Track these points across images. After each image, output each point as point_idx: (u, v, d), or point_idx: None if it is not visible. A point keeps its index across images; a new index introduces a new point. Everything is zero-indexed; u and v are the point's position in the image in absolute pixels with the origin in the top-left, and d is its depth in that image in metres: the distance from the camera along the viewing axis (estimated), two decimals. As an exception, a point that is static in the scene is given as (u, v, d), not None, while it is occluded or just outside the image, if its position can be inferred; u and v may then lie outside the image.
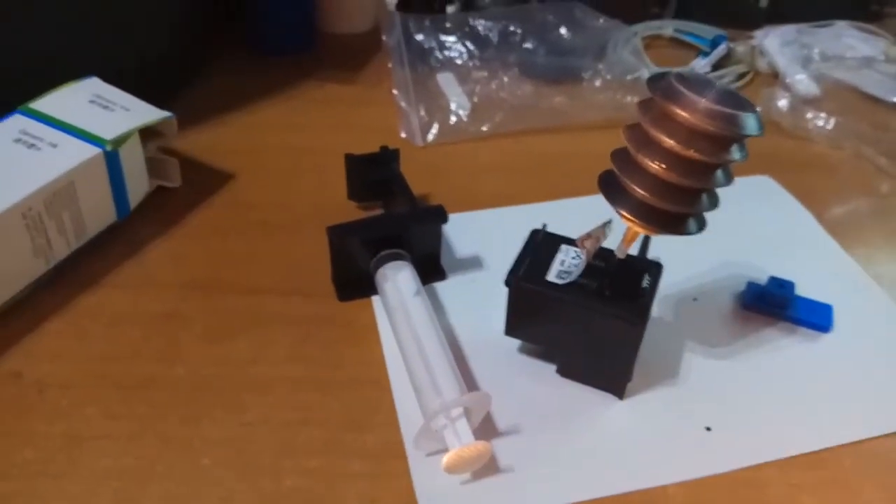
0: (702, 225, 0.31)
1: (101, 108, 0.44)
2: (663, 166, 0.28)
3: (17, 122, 0.42)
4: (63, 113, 0.42)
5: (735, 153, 0.28)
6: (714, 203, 0.30)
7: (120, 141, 0.42)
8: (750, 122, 0.28)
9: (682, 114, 0.27)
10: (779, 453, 0.34)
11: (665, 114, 0.28)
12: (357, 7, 0.67)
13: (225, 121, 0.56)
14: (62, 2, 0.46)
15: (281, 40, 0.63)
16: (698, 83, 0.28)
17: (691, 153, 0.28)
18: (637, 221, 0.31)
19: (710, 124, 0.27)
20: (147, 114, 0.45)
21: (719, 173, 0.29)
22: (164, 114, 0.45)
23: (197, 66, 0.61)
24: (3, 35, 0.45)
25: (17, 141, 0.40)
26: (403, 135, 0.55)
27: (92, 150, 0.41)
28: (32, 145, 0.40)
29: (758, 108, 0.29)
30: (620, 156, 0.31)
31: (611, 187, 0.31)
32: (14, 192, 0.37)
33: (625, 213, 0.31)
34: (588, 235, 0.33)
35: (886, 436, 0.35)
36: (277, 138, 0.55)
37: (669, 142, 0.28)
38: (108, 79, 0.46)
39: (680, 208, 0.30)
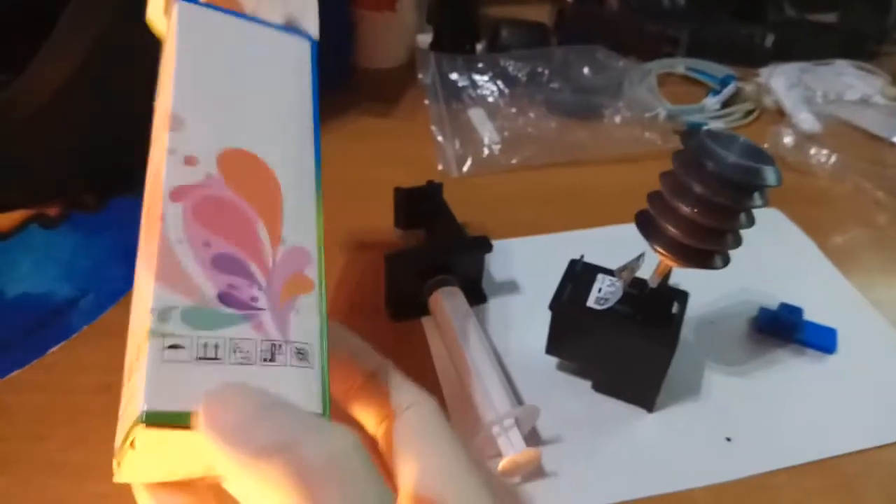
0: (726, 261, 0.35)
1: None
2: (695, 210, 0.33)
3: None
4: None
5: (757, 200, 0.33)
6: (738, 242, 0.35)
7: None
8: (770, 175, 0.32)
9: (713, 166, 0.32)
10: (791, 461, 0.38)
11: (698, 165, 0.33)
12: (391, 44, 0.72)
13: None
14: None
15: (323, 76, 0.68)
16: (726, 139, 0.33)
17: (720, 199, 0.32)
18: (670, 256, 0.35)
19: (737, 176, 0.32)
20: None
21: (743, 216, 0.34)
22: None
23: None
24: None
25: None
26: (440, 167, 0.59)
27: None
28: None
29: (766, 145, 0.33)
30: (656, 198, 0.35)
31: (646, 225, 0.36)
32: None
33: (659, 249, 0.35)
34: (624, 267, 0.37)
35: (887, 445, 0.39)
36: (324, 169, 0.59)
37: (701, 189, 0.33)
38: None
39: (708, 246, 0.34)
